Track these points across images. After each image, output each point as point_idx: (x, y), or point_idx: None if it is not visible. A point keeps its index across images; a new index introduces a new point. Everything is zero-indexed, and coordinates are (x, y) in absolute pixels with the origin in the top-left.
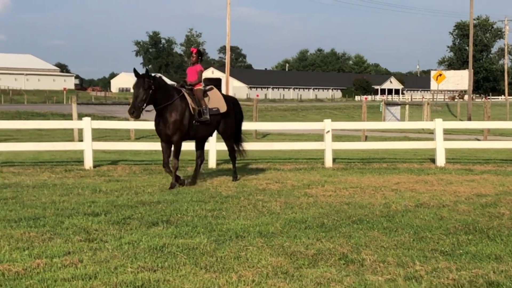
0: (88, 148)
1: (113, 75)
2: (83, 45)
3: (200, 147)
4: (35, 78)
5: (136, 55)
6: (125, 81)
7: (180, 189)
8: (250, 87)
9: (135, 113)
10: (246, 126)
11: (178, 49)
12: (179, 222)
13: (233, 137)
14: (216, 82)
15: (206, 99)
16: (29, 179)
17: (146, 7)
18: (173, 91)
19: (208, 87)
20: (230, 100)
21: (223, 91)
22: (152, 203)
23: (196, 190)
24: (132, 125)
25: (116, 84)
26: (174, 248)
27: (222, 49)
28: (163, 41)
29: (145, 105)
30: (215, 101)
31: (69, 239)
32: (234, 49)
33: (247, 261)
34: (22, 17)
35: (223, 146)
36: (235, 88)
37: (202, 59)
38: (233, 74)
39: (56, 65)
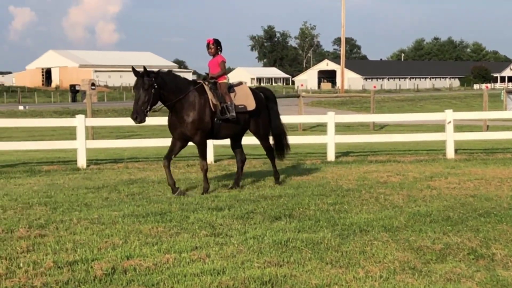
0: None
1: (229, 70)
2: (200, 41)
3: (236, 145)
4: None
5: (252, 49)
6: (241, 75)
7: (301, 182)
8: (365, 78)
9: (138, 118)
10: (364, 118)
11: (293, 43)
12: (301, 216)
13: (268, 135)
14: (330, 74)
15: (232, 94)
16: (153, 175)
17: (262, 1)
18: (187, 84)
19: (236, 82)
20: (261, 96)
21: (338, 83)
22: (274, 197)
23: (316, 183)
24: None
25: (232, 79)
26: (299, 242)
27: (337, 41)
28: (277, 34)
29: (148, 107)
30: (242, 98)
31: (195, 234)
32: (348, 41)
33: (373, 256)
34: (141, 16)
35: (340, 139)
36: (350, 79)
37: (221, 48)
38: (348, 65)
39: (174, 62)
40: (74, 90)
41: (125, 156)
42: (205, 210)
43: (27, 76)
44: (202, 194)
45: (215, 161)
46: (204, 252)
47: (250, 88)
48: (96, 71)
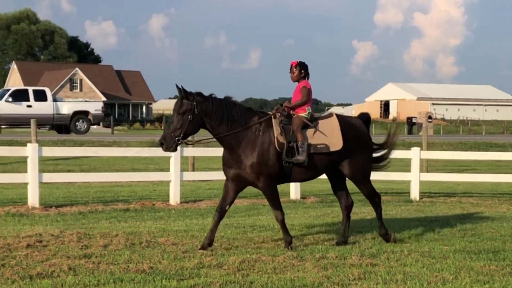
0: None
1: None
2: None
3: (339, 188)
4: (493, 109)
5: None
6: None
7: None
8: None
9: (165, 145)
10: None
11: None
12: None
13: (369, 178)
14: None
15: (309, 131)
16: (487, 211)
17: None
18: (248, 115)
19: (325, 114)
20: (358, 126)
21: None
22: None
23: None
24: None
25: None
26: None
27: None
28: None
29: (181, 134)
30: (325, 135)
31: None
32: None
33: None
34: (482, 48)
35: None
36: None
37: (308, 74)
38: None
39: None
40: (410, 123)
41: (459, 190)
42: None
43: (366, 108)
44: (285, 248)
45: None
46: None
47: (343, 119)
48: (433, 104)
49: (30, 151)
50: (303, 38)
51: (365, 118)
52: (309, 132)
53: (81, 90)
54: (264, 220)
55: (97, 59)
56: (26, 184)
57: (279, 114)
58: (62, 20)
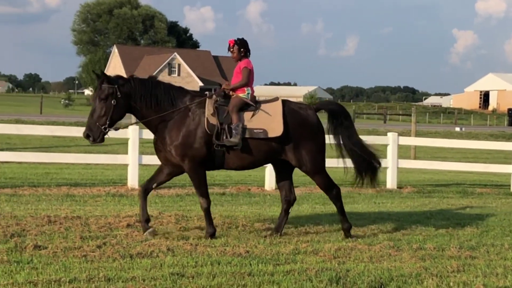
0: None
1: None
2: None
3: (283, 179)
4: None
5: None
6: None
7: None
8: None
9: (92, 136)
10: None
11: None
12: None
13: (323, 168)
14: None
15: (248, 114)
16: None
17: None
18: (178, 97)
19: (270, 98)
20: (308, 116)
21: None
22: None
23: None
24: None
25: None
26: None
27: None
28: None
29: (107, 122)
30: (265, 119)
31: None
32: None
33: None
34: None
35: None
36: None
37: (248, 51)
38: None
39: None
40: (511, 114)
41: None
42: None
43: (465, 99)
44: (206, 239)
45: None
46: None
47: (289, 105)
48: None
49: (131, 133)
50: (402, 25)
51: (329, 108)
52: (247, 115)
53: (179, 74)
54: (360, 208)
55: (195, 44)
56: (126, 165)
57: (215, 96)
58: (162, 5)
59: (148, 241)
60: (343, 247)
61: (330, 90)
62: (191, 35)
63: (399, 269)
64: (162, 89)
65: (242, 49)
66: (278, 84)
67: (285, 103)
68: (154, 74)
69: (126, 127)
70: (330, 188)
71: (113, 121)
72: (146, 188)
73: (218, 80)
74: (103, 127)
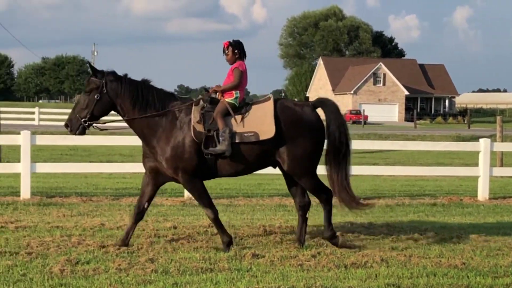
0: None
1: None
2: None
3: (294, 184)
4: None
5: None
6: None
7: None
8: None
9: (70, 127)
10: None
11: None
12: None
13: (314, 172)
14: None
15: (237, 117)
16: None
17: None
18: (165, 100)
19: (262, 98)
20: (301, 114)
21: None
22: None
23: None
24: None
25: None
26: None
27: None
28: None
29: (88, 115)
30: (255, 121)
31: None
32: None
33: None
34: None
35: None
36: None
37: (243, 53)
38: None
39: None
40: None
41: None
42: None
43: None
44: (225, 252)
45: None
46: None
47: (281, 103)
48: None
49: None
50: None
51: (324, 104)
52: (236, 119)
53: (384, 84)
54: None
55: (400, 53)
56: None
57: (202, 99)
58: (366, 15)
59: (362, 251)
60: None
61: None
62: (396, 44)
63: None
64: (151, 93)
65: (236, 51)
66: (487, 90)
67: (277, 101)
68: (359, 84)
69: None
70: (320, 192)
71: (94, 116)
72: (140, 210)
73: (424, 88)
74: (82, 120)
